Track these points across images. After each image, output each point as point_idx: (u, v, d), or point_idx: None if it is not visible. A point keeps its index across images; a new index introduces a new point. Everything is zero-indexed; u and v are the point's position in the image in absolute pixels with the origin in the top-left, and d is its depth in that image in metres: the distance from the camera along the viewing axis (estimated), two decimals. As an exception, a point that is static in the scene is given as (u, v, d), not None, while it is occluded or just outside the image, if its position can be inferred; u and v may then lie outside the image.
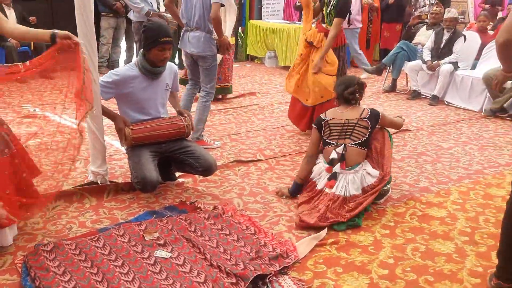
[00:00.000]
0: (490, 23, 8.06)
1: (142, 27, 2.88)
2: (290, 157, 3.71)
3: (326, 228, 2.54)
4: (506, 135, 4.53)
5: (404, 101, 5.94)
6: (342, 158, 2.78)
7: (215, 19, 3.54)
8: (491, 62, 5.60)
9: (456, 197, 3.08)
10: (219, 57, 4.53)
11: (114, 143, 3.82)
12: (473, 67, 5.94)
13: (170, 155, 2.96)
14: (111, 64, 7.05)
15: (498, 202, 3.01)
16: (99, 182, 2.88)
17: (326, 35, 3.97)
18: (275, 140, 4.14)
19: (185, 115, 3.01)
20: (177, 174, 3.16)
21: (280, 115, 4.96)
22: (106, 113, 2.88)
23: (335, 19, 3.91)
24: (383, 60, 6.39)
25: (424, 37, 6.14)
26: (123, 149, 3.61)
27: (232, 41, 5.33)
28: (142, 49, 2.87)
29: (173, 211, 2.71)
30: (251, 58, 8.79)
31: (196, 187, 3.09)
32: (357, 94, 2.93)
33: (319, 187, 2.83)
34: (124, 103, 2.92)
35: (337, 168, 2.77)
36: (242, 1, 8.53)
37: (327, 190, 2.76)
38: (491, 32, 6.41)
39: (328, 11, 4.01)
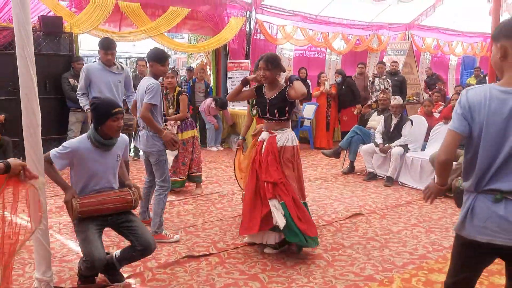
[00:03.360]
0: (442, 103, 8.72)
1: (91, 105, 3.06)
2: (243, 249, 3.78)
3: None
4: (453, 216, 4.73)
5: (361, 182, 6.18)
6: None
7: (143, 118, 3.76)
8: (439, 143, 5.96)
9: (399, 284, 3.17)
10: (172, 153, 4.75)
11: (68, 243, 3.85)
12: (423, 148, 6.30)
13: (114, 228, 3.07)
14: (79, 155, 7.23)
15: (437, 288, 3.11)
16: (43, 289, 2.88)
17: None
18: (230, 231, 4.23)
19: (133, 188, 3.12)
20: (125, 275, 3.19)
21: (239, 203, 5.07)
22: (59, 182, 2.97)
23: None
24: (339, 144, 6.74)
25: (376, 122, 6.56)
26: (75, 248, 3.65)
27: (193, 133, 5.52)
28: (93, 124, 3.01)
29: (115, 316, 2.71)
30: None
31: (143, 287, 3.11)
32: None
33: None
34: (75, 173, 3.02)
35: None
36: (208, 90, 9.02)
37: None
38: (436, 115, 6.90)
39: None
